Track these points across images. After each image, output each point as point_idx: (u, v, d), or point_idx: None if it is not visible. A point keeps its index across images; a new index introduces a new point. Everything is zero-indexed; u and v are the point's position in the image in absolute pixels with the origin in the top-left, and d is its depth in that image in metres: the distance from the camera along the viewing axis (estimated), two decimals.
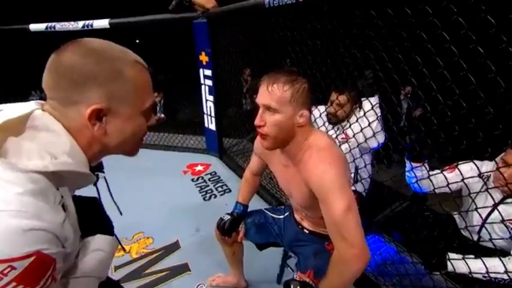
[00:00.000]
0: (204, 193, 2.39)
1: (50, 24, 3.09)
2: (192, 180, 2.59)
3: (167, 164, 2.86)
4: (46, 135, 0.47)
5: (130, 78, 0.52)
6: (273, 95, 0.83)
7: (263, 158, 1.15)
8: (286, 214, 1.27)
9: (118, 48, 0.54)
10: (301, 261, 1.09)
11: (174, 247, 1.80)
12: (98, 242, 0.63)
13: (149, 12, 2.61)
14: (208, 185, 2.51)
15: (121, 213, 0.76)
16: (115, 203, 0.73)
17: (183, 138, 3.24)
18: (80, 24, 2.92)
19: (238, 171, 2.67)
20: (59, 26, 3.04)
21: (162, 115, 4.02)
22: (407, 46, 1.03)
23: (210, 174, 2.69)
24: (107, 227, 0.69)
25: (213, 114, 2.83)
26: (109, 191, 0.71)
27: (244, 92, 3.97)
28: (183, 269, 1.65)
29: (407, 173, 1.26)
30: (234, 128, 3.23)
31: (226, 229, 1.21)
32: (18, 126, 0.46)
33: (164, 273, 1.62)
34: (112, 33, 2.76)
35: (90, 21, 2.87)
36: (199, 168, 2.79)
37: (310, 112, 0.89)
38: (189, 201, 2.27)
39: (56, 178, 0.47)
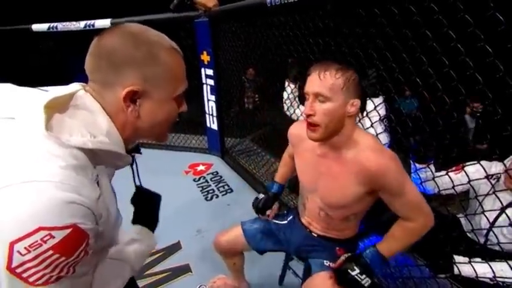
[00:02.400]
0: (206, 193, 2.39)
1: (52, 24, 3.10)
2: (194, 180, 2.58)
3: (169, 163, 2.85)
4: (86, 115, 0.50)
5: (165, 63, 0.54)
6: (325, 83, 0.82)
7: (294, 147, 1.13)
8: (290, 218, 1.23)
9: (155, 33, 0.55)
10: (312, 270, 1.06)
11: (175, 248, 1.79)
12: (143, 234, 0.69)
13: (150, 11, 2.61)
14: (210, 185, 2.50)
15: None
16: (141, 185, 0.79)
17: (184, 137, 3.23)
18: (81, 24, 2.93)
19: (240, 171, 2.66)
20: (61, 26, 3.06)
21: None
22: (411, 45, 1.00)
23: (212, 174, 2.68)
24: (153, 225, 0.77)
25: (215, 113, 2.82)
26: (138, 175, 0.77)
27: (249, 91, 3.95)
28: (184, 270, 1.64)
29: (412, 174, 1.23)
30: (236, 127, 3.22)
31: (261, 207, 1.23)
32: (63, 104, 0.48)
33: (165, 274, 1.62)
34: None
35: (92, 21, 2.87)
36: (201, 168, 2.79)
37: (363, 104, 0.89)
38: (190, 201, 2.26)
39: (94, 156, 0.49)
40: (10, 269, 0.40)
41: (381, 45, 1.09)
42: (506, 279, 0.95)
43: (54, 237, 0.41)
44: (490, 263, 1.01)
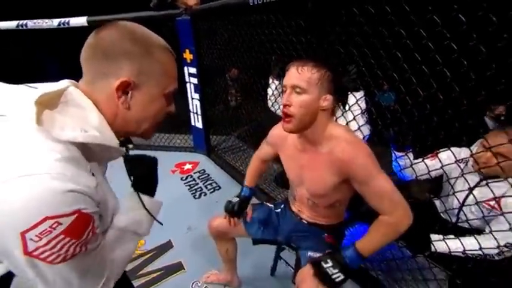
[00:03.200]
0: (194, 191, 2.39)
1: (21, 22, 2.94)
2: (181, 179, 2.58)
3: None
4: (76, 111, 0.51)
5: (159, 60, 0.57)
6: (303, 76, 0.88)
7: (275, 146, 1.18)
8: (282, 207, 1.29)
9: (151, 33, 0.58)
10: (302, 263, 1.11)
11: (166, 247, 1.80)
12: (146, 200, 0.69)
13: (129, 10, 2.55)
14: (197, 183, 2.51)
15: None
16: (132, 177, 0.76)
17: (169, 137, 3.20)
18: (55, 22, 2.80)
19: (227, 168, 2.69)
20: (32, 23, 2.90)
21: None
22: (388, 43, 1.08)
23: (199, 172, 2.69)
24: (151, 189, 0.74)
25: (199, 112, 2.81)
26: (128, 167, 0.74)
27: (232, 90, 3.96)
28: (177, 267, 1.66)
29: (393, 162, 1.33)
30: (221, 125, 3.23)
31: (236, 211, 1.25)
32: (52, 101, 0.49)
33: (159, 273, 1.62)
34: (87, 31, 2.67)
35: (67, 19, 2.76)
36: (188, 166, 2.78)
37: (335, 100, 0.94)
38: (179, 200, 2.26)
39: (86, 150, 0.51)
40: (27, 253, 0.43)
41: (360, 43, 1.16)
42: (474, 252, 1.06)
43: (61, 223, 0.44)
44: (461, 238, 1.12)
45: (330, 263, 0.91)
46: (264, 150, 1.29)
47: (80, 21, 2.70)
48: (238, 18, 2.12)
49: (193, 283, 1.56)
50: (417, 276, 1.38)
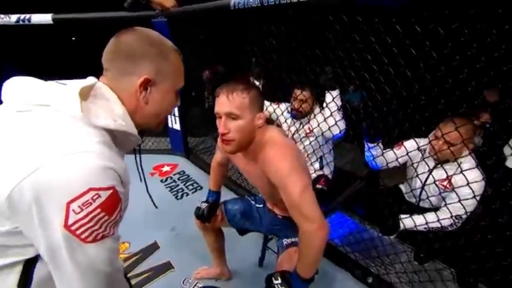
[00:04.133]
0: (176, 192, 2.39)
1: None
2: (161, 181, 2.55)
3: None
4: (104, 103, 0.58)
5: (172, 61, 0.65)
6: (234, 103, 0.90)
7: (227, 156, 1.23)
8: (263, 204, 1.38)
9: (163, 37, 0.66)
10: (281, 237, 1.22)
11: (152, 248, 1.79)
12: None
13: (101, 9, 2.47)
14: (178, 185, 2.51)
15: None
16: (142, 168, 0.83)
17: (145, 139, 3.13)
18: (13, 18, 2.60)
19: (207, 168, 2.71)
20: None
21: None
22: (360, 47, 1.23)
23: (179, 173, 2.68)
24: None
25: (177, 113, 2.80)
26: (140, 155, 0.81)
27: (206, 92, 3.98)
28: (166, 267, 1.66)
29: (366, 153, 1.50)
30: (198, 126, 3.25)
31: (206, 215, 1.29)
32: (86, 93, 0.56)
33: (148, 274, 1.62)
34: (44, 29, 2.55)
35: (27, 15, 2.58)
36: (167, 168, 2.76)
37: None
38: (161, 202, 2.18)
39: (113, 138, 0.58)
40: (67, 226, 0.47)
41: (335, 46, 1.31)
42: (433, 225, 1.26)
43: (100, 196, 0.49)
44: (423, 214, 1.32)
45: (279, 280, 0.93)
46: (219, 155, 1.34)
47: (43, 18, 2.55)
48: (217, 21, 2.18)
49: (184, 280, 1.58)
50: (389, 253, 1.57)
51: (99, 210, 0.49)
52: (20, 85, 0.57)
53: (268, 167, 0.95)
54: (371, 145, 1.47)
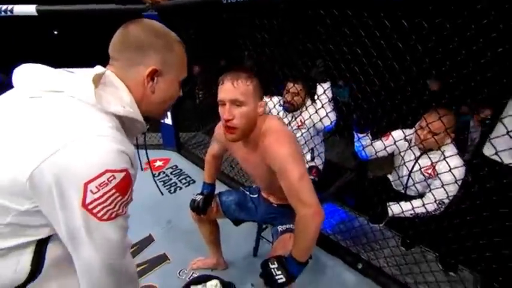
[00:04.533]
0: (169, 186, 2.40)
1: None
2: (154, 175, 2.55)
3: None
4: (113, 90, 0.61)
5: (177, 52, 0.68)
6: (239, 89, 0.93)
7: (225, 146, 1.25)
8: (258, 194, 1.42)
9: (168, 29, 0.69)
10: (276, 224, 1.26)
11: (148, 241, 1.80)
12: None
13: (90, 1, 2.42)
14: (171, 179, 2.51)
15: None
16: (147, 156, 0.89)
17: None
18: None
19: (199, 162, 2.73)
20: None
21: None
22: (349, 41, 1.28)
23: (171, 168, 2.69)
24: None
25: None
26: (145, 148, 0.88)
27: (196, 87, 3.97)
28: (162, 259, 1.68)
29: (355, 143, 1.56)
30: (190, 121, 3.24)
31: (201, 207, 1.32)
32: (97, 81, 0.58)
33: (144, 266, 1.63)
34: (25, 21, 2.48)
35: (9, 6, 2.49)
36: (159, 163, 2.75)
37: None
38: (155, 196, 2.19)
39: (122, 123, 0.61)
40: (85, 205, 0.51)
41: (326, 40, 1.35)
42: (418, 210, 1.33)
43: (115, 178, 0.52)
44: (410, 201, 1.39)
45: (276, 265, 0.95)
46: (214, 147, 1.35)
47: (26, 9, 2.47)
48: (208, 15, 2.18)
49: (180, 271, 1.60)
50: (377, 240, 1.64)
51: (114, 190, 0.52)
52: (30, 72, 0.59)
53: (268, 153, 0.98)
54: (360, 135, 1.53)
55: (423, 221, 1.46)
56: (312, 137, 1.79)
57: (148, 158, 0.88)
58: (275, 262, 0.97)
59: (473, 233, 1.17)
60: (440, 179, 1.27)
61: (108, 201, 0.52)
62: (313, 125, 1.66)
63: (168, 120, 2.86)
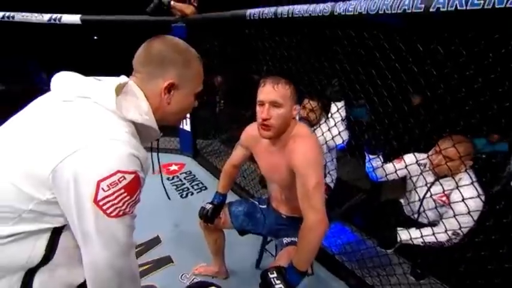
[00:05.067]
0: (181, 191, 2.47)
1: (8, 13, 2.89)
2: (168, 179, 2.64)
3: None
4: (133, 99, 0.67)
5: (194, 67, 0.74)
6: (279, 92, 1.02)
7: (250, 148, 1.30)
8: (266, 204, 1.43)
9: (188, 45, 0.75)
10: (277, 248, 1.26)
11: (154, 242, 1.85)
12: None
13: (123, 11, 2.63)
14: (184, 183, 2.58)
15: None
16: (158, 161, 0.92)
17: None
18: (45, 17, 2.79)
19: (213, 170, 2.79)
20: (20, 16, 2.86)
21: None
22: (364, 62, 1.29)
23: (185, 173, 2.76)
24: None
25: (188, 115, 2.91)
26: (157, 153, 0.90)
27: (217, 97, 4.10)
28: (166, 261, 1.72)
29: (367, 164, 1.54)
30: (207, 129, 3.34)
31: (209, 217, 1.34)
32: (120, 90, 0.65)
33: (148, 266, 1.67)
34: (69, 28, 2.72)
35: (58, 15, 2.76)
36: (174, 167, 2.85)
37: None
38: (166, 199, 2.30)
39: (138, 130, 0.66)
40: (96, 201, 0.56)
41: (342, 60, 1.37)
42: (429, 239, 1.28)
43: (125, 178, 0.57)
44: (421, 229, 1.34)
45: (275, 274, 0.98)
46: (237, 154, 1.39)
47: (72, 18, 2.72)
48: (232, 30, 2.29)
49: (182, 275, 1.63)
50: (385, 265, 1.58)
51: (123, 190, 0.58)
52: (66, 78, 0.67)
53: (293, 155, 1.03)
54: (372, 156, 1.51)
55: (435, 251, 1.39)
56: (323, 154, 1.78)
57: (159, 163, 0.93)
58: (274, 272, 0.99)
59: (489, 270, 1.10)
60: (452, 209, 1.22)
61: (117, 200, 0.58)
62: (325, 143, 1.66)
63: (187, 127, 2.97)
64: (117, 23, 2.61)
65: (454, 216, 1.18)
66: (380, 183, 1.73)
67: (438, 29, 1.01)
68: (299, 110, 1.09)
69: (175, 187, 2.52)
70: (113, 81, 0.65)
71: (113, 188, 0.56)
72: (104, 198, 0.56)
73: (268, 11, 1.57)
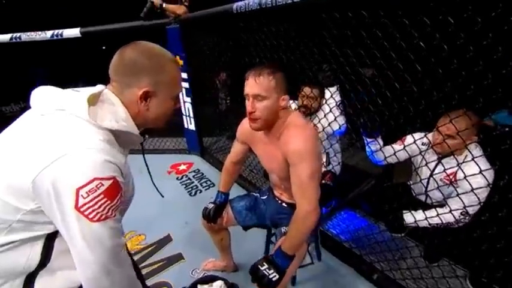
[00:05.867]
0: (190, 189, 2.52)
1: (15, 34, 3.03)
2: (177, 178, 2.70)
3: (151, 166, 2.92)
4: (110, 107, 0.69)
5: (168, 71, 0.74)
6: (262, 85, 1.00)
7: (247, 142, 1.30)
8: (267, 194, 1.43)
9: (163, 49, 0.75)
10: (277, 233, 1.26)
11: (166, 240, 1.92)
12: None
13: (117, 19, 2.69)
14: (193, 182, 2.64)
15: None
16: (145, 163, 0.96)
17: (164, 140, 3.33)
18: (48, 34, 2.91)
19: (220, 166, 2.81)
20: (25, 36, 3.00)
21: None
22: (355, 44, 1.24)
23: (194, 171, 2.82)
24: None
25: (191, 115, 2.94)
26: (143, 153, 0.92)
27: (222, 94, 4.11)
28: (177, 258, 1.77)
29: (366, 147, 1.49)
30: (212, 127, 3.37)
31: (212, 216, 1.35)
32: (94, 99, 0.67)
33: (160, 263, 1.74)
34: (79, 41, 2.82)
35: (60, 31, 2.87)
36: (183, 167, 2.91)
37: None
38: (176, 198, 2.38)
39: (116, 137, 0.68)
40: (77, 208, 0.58)
41: (332, 44, 1.33)
42: (435, 220, 1.23)
43: (103, 185, 0.60)
44: (429, 210, 1.29)
45: (266, 265, 0.99)
46: (235, 150, 1.38)
47: (73, 32, 2.82)
48: (222, 24, 2.28)
49: (192, 271, 1.68)
50: (395, 249, 1.54)
51: (102, 196, 0.60)
52: (44, 93, 0.70)
53: (289, 144, 1.02)
54: (369, 140, 1.46)
55: (448, 233, 1.34)
56: (322, 141, 1.75)
57: (147, 165, 0.95)
58: (264, 263, 1.00)
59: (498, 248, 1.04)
60: (455, 189, 1.16)
61: (98, 205, 0.60)
62: (323, 130, 1.63)
63: (192, 126, 3.01)
64: (115, 31, 2.67)
65: (458, 195, 1.12)
66: (388, 167, 1.67)
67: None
68: (288, 99, 1.05)
69: (184, 186, 2.58)
70: (87, 92, 0.66)
71: (92, 194, 0.58)
72: (84, 205, 0.58)
73: (253, 2, 1.55)
